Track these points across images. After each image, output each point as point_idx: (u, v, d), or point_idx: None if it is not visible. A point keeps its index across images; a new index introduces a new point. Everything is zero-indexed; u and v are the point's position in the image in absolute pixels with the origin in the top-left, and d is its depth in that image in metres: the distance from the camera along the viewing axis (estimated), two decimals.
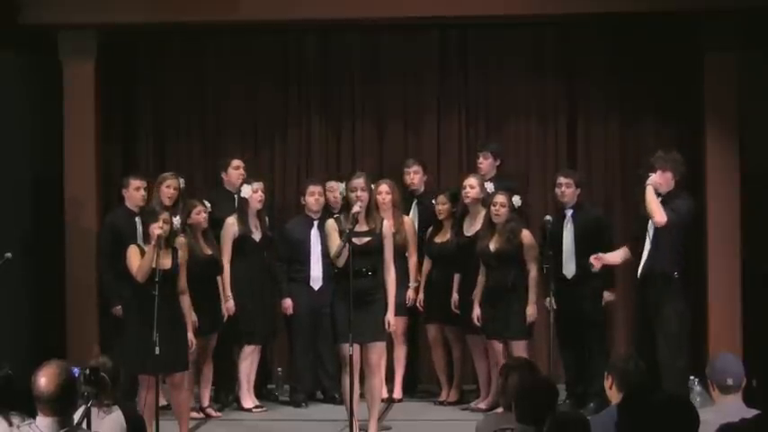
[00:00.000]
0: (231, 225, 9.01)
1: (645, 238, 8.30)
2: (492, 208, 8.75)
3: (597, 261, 8.37)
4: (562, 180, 8.98)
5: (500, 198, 8.74)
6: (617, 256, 8.52)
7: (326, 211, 9.37)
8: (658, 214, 8.14)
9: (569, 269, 8.83)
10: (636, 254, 8.37)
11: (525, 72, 10.35)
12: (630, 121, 10.29)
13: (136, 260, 7.79)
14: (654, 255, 8.24)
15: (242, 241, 9.00)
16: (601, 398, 8.56)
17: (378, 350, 7.90)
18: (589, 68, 10.31)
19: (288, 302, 9.27)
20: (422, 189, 9.59)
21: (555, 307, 8.57)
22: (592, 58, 10.32)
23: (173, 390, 7.99)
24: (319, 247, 9.17)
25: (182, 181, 9.18)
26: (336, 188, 9.48)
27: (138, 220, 9.01)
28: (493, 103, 10.46)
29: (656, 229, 8.25)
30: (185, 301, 7.98)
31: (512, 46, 10.39)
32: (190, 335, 7.98)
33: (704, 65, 9.61)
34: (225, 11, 9.58)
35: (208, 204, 8.85)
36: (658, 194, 8.26)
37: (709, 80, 9.60)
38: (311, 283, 9.25)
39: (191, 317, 8.00)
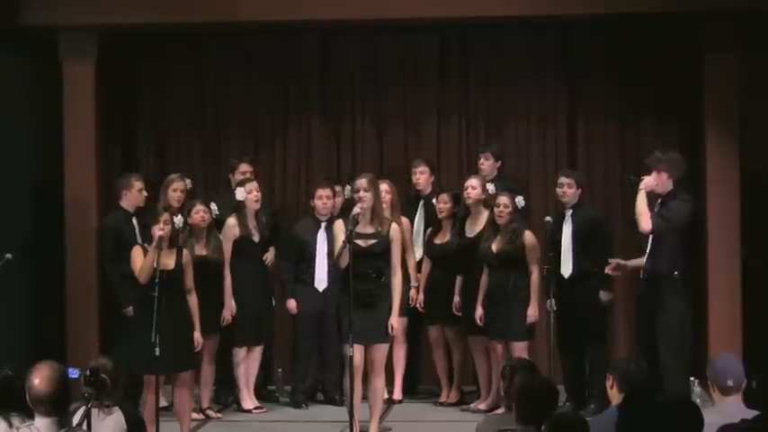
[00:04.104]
0: (232, 227, 9.01)
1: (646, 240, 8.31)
2: (495, 209, 8.74)
3: (614, 270, 8.39)
4: (564, 180, 8.96)
5: (503, 199, 8.74)
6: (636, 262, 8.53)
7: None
8: (644, 222, 8.13)
9: (567, 269, 8.82)
10: None
11: (525, 73, 10.34)
12: (630, 122, 10.28)
13: (139, 261, 7.82)
14: (653, 255, 8.25)
15: (242, 242, 9.00)
16: (601, 399, 8.57)
17: (381, 351, 7.90)
18: (589, 69, 10.31)
19: (292, 303, 9.26)
20: (428, 190, 9.58)
21: (555, 308, 8.56)
22: (592, 58, 10.31)
23: (178, 389, 8.00)
24: (325, 249, 9.17)
25: (188, 182, 9.18)
26: (338, 192, 9.47)
27: (134, 220, 9.01)
28: (493, 104, 10.46)
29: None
30: (192, 300, 8.00)
31: (512, 47, 10.38)
32: (197, 334, 8.01)
33: (705, 65, 9.60)
34: (225, 11, 9.58)
35: (214, 206, 8.84)
36: (657, 195, 8.26)
37: (709, 80, 9.59)
38: (316, 285, 9.25)
39: (197, 315, 8.01)
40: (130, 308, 8.74)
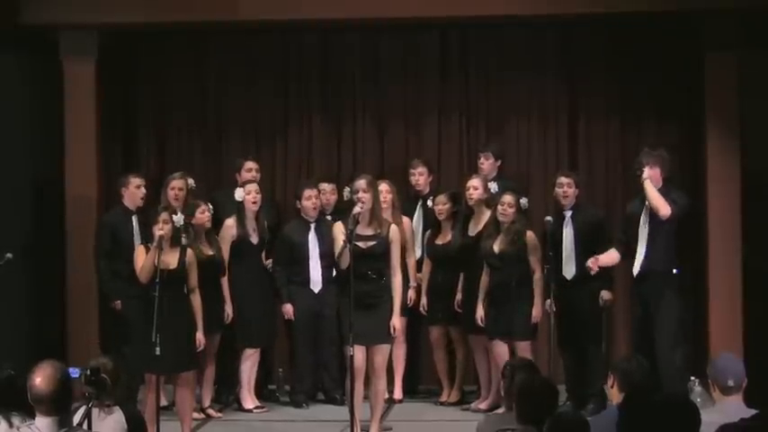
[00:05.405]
0: (230, 227, 9.01)
1: (637, 237, 8.31)
2: (499, 207, 8.74)
3: (594, 264, 8.37)
4: (564, 180, 8.96)
5: (508, 198, 8.74)
6: (612, 257, 8.52)
7: (320, 212, 9.36)
8: (663, 207, 8.17)
9: (569, 270, 8.82)
10: (626, 253, 8.38)
11: (526, 72, 10.34)
12: (631, 121, 10.28)
13: (141, 260, 7.81)
14: (650, 253, 8.27)
15: (240, 243, 9.00)
16: (600, 398, 8.60)
17: (382, 352, 7.91)
18: (589, 68, 10.30)
19: (288, 308, 9.25)
20: (427, 190, 9.57)
21: (554, 309, 8.56)
22: (592, 57, 10.31)
23: (178, 389, 8.00)
24: (317, 250, 9.17)
25: (191, 181, 9.17)
26: (328, 189, 9.47)
27: (135, 218, 9.02)
28: (493, 104, 10.46)
29: (651, 228, 8.28)
30: (196, 300, 7.99)
31: (512, 46, 10.38)
32: (199, 334, 8.01)
33: (705, 64, 9.61)
34: (225, 11, 9.59)
35: (210, 206, 8.86)
36: None
37: (709, 79, 9.60)
38: (311, 286, 9.23)
39: (200, 315, 8.02)
40: (119, 302, 8.80)
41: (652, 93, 10.20)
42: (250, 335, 9.04)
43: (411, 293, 9.17)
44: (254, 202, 9.04)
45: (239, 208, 9.05)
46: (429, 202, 9.29)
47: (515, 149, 10.31)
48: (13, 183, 9.71)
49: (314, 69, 10.52)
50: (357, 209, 7.78)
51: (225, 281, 8.89)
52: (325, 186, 9.49)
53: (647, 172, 8.26)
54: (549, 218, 8.94)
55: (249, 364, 9.08)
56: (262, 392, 9.43)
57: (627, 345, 9.84)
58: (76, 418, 4.94)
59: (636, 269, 8.37)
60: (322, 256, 9.09)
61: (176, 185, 9.03)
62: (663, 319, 8.19)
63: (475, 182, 9.08)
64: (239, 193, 9.04)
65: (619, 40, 10.19)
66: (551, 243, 8.77)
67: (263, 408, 9.15)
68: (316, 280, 9.22)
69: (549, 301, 8.62)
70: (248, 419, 8.94)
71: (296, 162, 10.57)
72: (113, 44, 9.99)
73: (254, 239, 9.08)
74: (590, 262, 8.39)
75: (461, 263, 9.09)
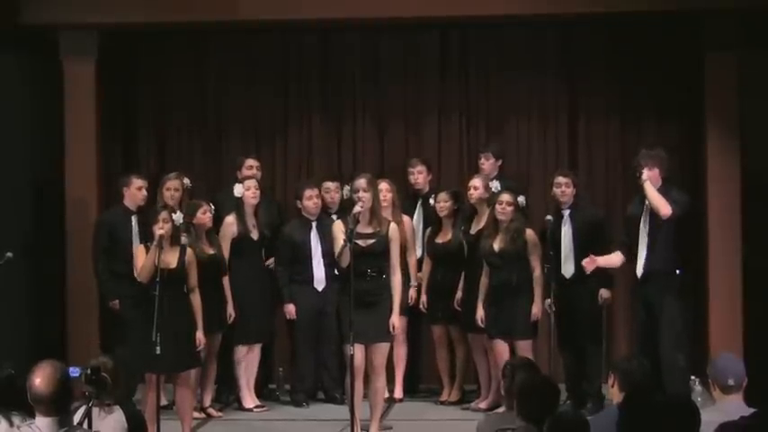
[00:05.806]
0: (230, 224, 9.01)
1: (637, 239, 8.30)
2: (497, 206, 8.74)
3: (590, 263, 8.36)
4: (561, 180, 8.95)
5: (506, 197, 8.74)
6: (613, 260, 8.50)
7: (324, 211, 9.36)
8: (664, 207, 8.17)
9: (568, 269, 8.82)
10: (629, 255, 8.38)
11: (526, 72, 10.34)
12: (631, 121, 10.28)
13: (141, 260, 7.81)
14: (651, 253, 8.26)
15: (240, 240, 9.01)
16: (598, 398, 8.60)
17: (382, 351, 7.92)
18: (589, 68, 10.30)
19: (290, 308, 9.25)
20: (426, 189, 9.57)
21: (554, 309, 8.56)
22: (592, 57, 10.31)
23: (178, 388, 8.00)
24: (320, 249, 9.18)
25: (187, 181, 9.17)
26: (333, 188, 9.48)
27: (134, 218, 9.02)
28: (493, 103, 10.46)
29: (652, 228, 8.27)
30: (196, 299, 7.99)
31: (512, 46, 10.38)
32: (199, 333, 8.01)
33: (705, 64, 9.61)
34: (225, 10, 9.59)
35: (211, 206, 8.86)
36: None
37: (709, 79, 9.60)
38: (315, 285, 9.23)
39: (200, 314, 8.02)
40: (116, 301, 8.79)
41: (652, 93, 10.20)
42: (248, 331, 9.03)
43: (412, 292, 9.17)
44: (254, 197, 9.04)
45: (238, 204, 9.06)
46: (431, 200, 9.29)
47: (515, 149, 10.31)
48: (13, 183, 9.70)
49: (314, 69, 10.53)
50: (357, 208, 7.80)
51: (226, 281, 8.90)
52: (330, 185, 9.49)
53: (646, 173, 8.26)
54: (549, 217, 8.95)
55: (244, 364, 9.07)
56: (262, 392, 9.44)
57: (627, 343, 9.85)
58: (76, 418, 4.94)
59: (639, 270, 8.36)
60: (324, 255, 9.09)
61: (172, 186, 9.03)
62: (667, 319, 8.18)
63: (476, 182, 9.09)
64: (238, 189, 9.05)
65: (619, 40, 10.19)
66: (551, 242, 8.78)
67: (263, 407, 9.15)
68: (319, 278, 9.23)
69: (548, 300, 8.63)
70: (248, 419, 8.94)
71: (296, 162, 10.57)
72: (113, 44, 9.99)
73: (255, 235, 9.09)
74: (585, 262, 8.38)
75: (462, 261, 9.10)
